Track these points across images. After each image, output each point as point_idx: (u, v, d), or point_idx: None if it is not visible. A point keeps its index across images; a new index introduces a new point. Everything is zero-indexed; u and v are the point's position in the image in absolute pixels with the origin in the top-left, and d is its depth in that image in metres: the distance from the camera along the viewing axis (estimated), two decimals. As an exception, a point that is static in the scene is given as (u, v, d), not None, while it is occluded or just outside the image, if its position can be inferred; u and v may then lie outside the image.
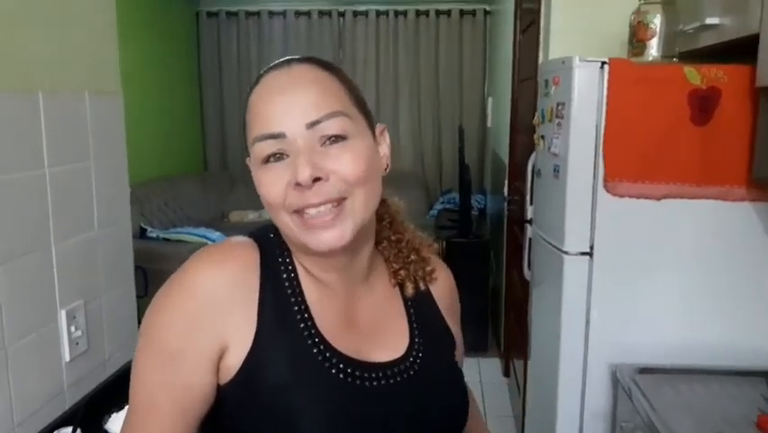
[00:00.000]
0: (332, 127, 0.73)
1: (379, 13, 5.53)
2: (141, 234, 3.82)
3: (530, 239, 2.28)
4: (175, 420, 0.73)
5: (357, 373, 0.78)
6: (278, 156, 0.73)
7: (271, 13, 5.57)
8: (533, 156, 2.26)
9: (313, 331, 0.78)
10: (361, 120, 0.79)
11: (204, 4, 5.58)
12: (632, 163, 1.68)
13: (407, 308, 0.88)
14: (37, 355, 1.28)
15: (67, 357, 1.36)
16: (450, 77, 5.58)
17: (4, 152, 1.18)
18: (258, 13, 5.57)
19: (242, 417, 0.75)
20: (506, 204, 3.42)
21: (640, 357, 1.70)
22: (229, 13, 5.59)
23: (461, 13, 5.49)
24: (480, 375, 3.52)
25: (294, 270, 0.81)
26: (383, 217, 0.90)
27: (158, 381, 0.74)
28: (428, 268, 0.91)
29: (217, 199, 5.24)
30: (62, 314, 1.35)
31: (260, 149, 0.74)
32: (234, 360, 0.74)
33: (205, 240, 3.75)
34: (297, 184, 0.71)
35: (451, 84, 5.58)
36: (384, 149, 0.84)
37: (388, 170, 0.84)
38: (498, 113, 4.34)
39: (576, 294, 1.76)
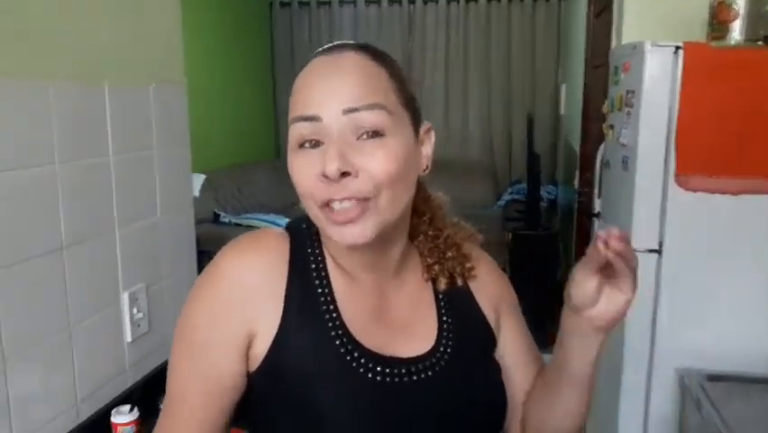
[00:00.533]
0: (369, 119, 0.71)
1: (449, 0, 5.45)
2: (214, 218, 3.94)
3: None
4: (207, 407, 0.75)
5: (379, 369, 0.76)
6: (313, 142, 0.72)
7: (342, 2, 5.60)
8: (602, 147, 2.17)
9: (338, 323, 0.77)
10: (405, 117, 0.76)
11: (277, -6, 5.67)
12: (707, 156, 1.58)
13: (438, 302, 0.86)
14: (100, 336, 1.34)
15: (128, 338, 1.42)
16: (522, 64, 5.44)
17: (70, 141, 1.24)
18: (329, 3, 5.61)
19: (269, 405, 0.76)
20: (576, 196, 3.30)
21: (710, 362, 1.60)
22: (301, 3, 5.66)
23: (535, -3, 5.33)
24: (544, 371, 3.42)
25: (323, 261, 0.81)
26: (424, 213, 0.87)
27: (189, 369, 0.75)
28: (467, 265, 0.88)
29: (289, 186, 5.29)
30: (125, 296, 1.41)
31: (296, 131, 0.73)
32: (261, 348, 0.75)
33: (274, 225, 3.83)
34: (325, 176, 0.70)
35: (522, 71, 5.44)
36: (427, 149, 0.81)
37: (427, 171, 0.81)
38: (571, 101, 4.19)
39: (643, 293, 1.68)
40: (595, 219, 2.25)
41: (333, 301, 0.78)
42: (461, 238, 0.89)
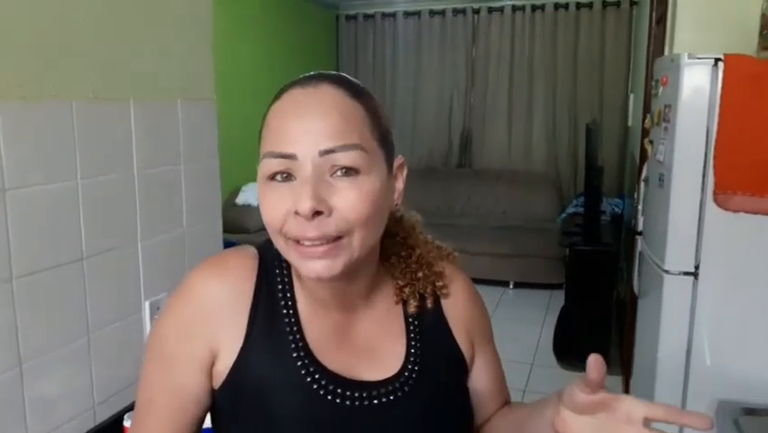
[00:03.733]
0: (345, 159, 0.70)
1: (515, 9, 5.38)
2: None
3: (640, 252, 2.09)
4: (170, 418, 0.78)
5: (339, 391, 0.76)
6: (285, 175, 0.72)
7: (406, 14, 5.63)
8: (646, 163, 2.07)
9: (300, 344, 0.78)
10: (379, 154, 0.74)
11: (343, 8, 5.78)
12: (747, 174, 1.47)
13: (408, 325, 0.85)
14: (121, 342, 1.41)
15: (148, 345, 1.48)
16: (589, 73, 5.28)
17: (92, 157, 1.31)
18: (393, 15, 5.65)
19: (230, 422, 0.78)
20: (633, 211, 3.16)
21: (748, 394, 1.49)
22: (366, 16, 5.74)
23: (604, 4, 5.17)
24: (598, 393, 3.29)
25: (290, 282, 0.82)
26: (396, 233, 0.87)
27: (156, 380, 0.79)
28: (439, 283, 0.86)
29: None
30: (146, 305, 1.47)
31: (269, 165, 0.72)
32: (224, 365, 0.77)
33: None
34: (297, 213, 0.70)
35: (590, 81, 5.28)
36: (399, 184, 0.80)
37: (398, 205, 0.81)
38: (637, 112, 4.02)
39: (677, 318, 1.59)
40: (638, 238, 2.15)
41: (298, 322, 0.79)
42: (434, 257, 0.88)
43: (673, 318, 1.60)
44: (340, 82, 0.74)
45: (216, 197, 1.75)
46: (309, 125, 0.70)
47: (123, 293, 1.42)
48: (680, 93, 1.55)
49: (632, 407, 0.66)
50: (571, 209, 4.97)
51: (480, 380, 0.90)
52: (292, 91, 0.74)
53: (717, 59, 1.51)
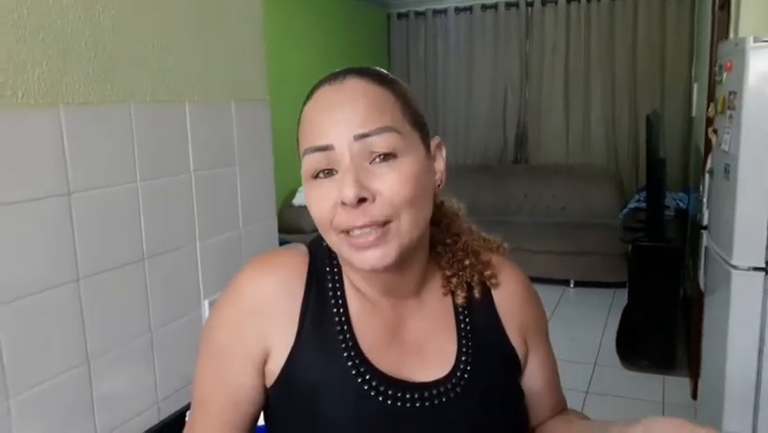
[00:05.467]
0: (381, 143, 0.71)
1: (569, 0, 5.25)
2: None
3: (706, 248, 1.99)
4: (225, 416, 0.79)
5: (390, 392, 0.76)
6: (327, 171, 0.73)
7: (458, 10, 5.59)
8: (711, 154, 1.98)
9: (351, 343, 0.78)
10: (415, 135, 0.75)
11: (394, 7, 5.78)
12: (822, 162, 1.39)
13: (458, 321, 0.83)
14: (182, 340, 1.45)
15: (208, 343, 1.51)
16: (649, 62, 5.10)
17: (150, 159, 1.35)
18: (444, 11, 5.62)
19: (282, 420, 0.78)
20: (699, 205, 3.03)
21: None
22: (417, 13, 5.74)
23: (664, -9, 4.98)
24: (664, 396, 3.17)
25: (340, 280, 0.82)
26: (440, 220, 0.86)
27: (209, 379, 0.80)
28: (486, 272, 0.85)
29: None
30: (205, 304, 1.51)
31: (309, 162, 0.74)
32: (276, 364, 0.78)
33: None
34: (343, 203, 0.71)
35: (650, 70, 5.10)
36: (439, 164, 0.80)
37: (441, 186, 0.81)
38: (701, 102, 3.86)
39: (746, 316, 1.51)
40: (703, 232, 2.06)
41: (348, 321, 0.79)
42: (480, 246, 0.86)
43: (743, 316, 1.52)
44: (365, 73, 0.76)
45: (271, 196, 1.78)
46: (340, 116, 0.72)
47: (183, 292, 1.46)
48: (745, 78, 1.48)
49: None
50: (632, 204, 4.81)
51: (532, 379, 0.88)
52: (320, 89, 0.76)
53: (786, 42, 1.43)
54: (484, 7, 5.49)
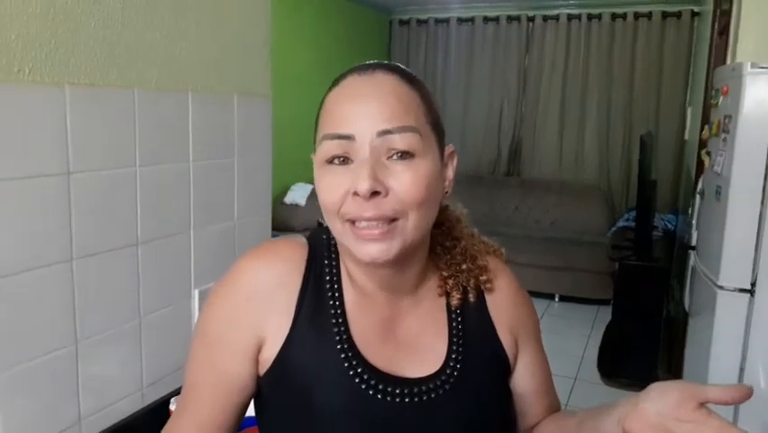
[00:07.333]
0: (402, 141, 0.72)
1: (570, 17, 5.31)
2: (318, 227, 4.11)
3: (693, 268, 2.02)
4: (214, 401, 0.79)
5: (381, 386, 0.77)
6: (342, 159, 0.73)
7: (460, 20, 5.63)
8: (703, 175, 2.01)
9: (345, 336, 0.78)
10: (432, 139, 0.76)
11: (396, 13, 5.81)
12: (811, 189, 1.42)
13: (451, 321, 0.84)
14: (170, 328, 1.45)
15: (196, 332, 1.51)
16: (646, 84, 5.16)
17: (151, 145, 1.35)
18: (447, 20, 5.66)
19: (274, 409, 0.79)
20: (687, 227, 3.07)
21: (804, 420, 1.43)
22: (419, 21, 5.77)
23: (664, 15, 5.04)
24: (644, 412, 3.20)
25: (338, 273, 0.82)
26: (441, 223, 0.87)
27: (202, 364, 0.81)
28: (482, 277, 0.86)
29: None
30: (195, 293, 1.51)
31: (327, 148, 0.74)
32: (270, 353, 0.78)
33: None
34: (355, 194, 0.72)
35: (646, 92, 5.16)
36: (449, 172, 0.81)
37: (448, 194, 0.82)
38: (695, 125, 3.91)
39: (730, 337, 1.53)
40: (691, 252, 2.09)
41: (344, 315, 0.80)
42: (478, 251, 0.88)
43: (726, 337, 1.55)
44: (395, 69, 0.77)
45: (267, 191, 1.78)
46: (367, 108, 0.72)
47: (174, 280, 1.46)
48: (741, 103, 1.51)
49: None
50: (621, 223, 4.86)
51: (523, 379, 0.89)
52: (349, 78, 0.77)
53: (782, 70, 1.46)
54: (486, 19, 5.54)
